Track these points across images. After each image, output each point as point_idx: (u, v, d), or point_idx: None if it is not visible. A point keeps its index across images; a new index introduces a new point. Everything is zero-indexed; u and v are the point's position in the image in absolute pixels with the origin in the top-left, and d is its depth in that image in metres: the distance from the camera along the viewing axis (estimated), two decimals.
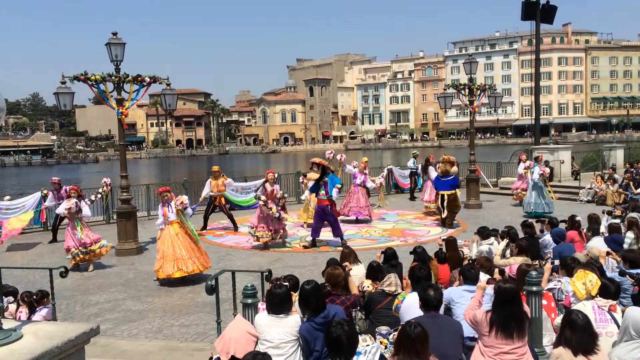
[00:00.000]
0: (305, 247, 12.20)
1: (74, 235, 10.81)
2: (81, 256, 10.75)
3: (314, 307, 4.54)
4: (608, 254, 6.85)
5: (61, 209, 11.28)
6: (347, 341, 3.66)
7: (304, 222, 14.73)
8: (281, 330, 4.42)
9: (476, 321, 4.26)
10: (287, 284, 5.05)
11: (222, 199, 14.67)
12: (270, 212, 11.73)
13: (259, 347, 4.39)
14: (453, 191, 14.10)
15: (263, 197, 11.84)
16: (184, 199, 9.83)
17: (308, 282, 4.73)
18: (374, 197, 18.61)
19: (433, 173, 15.46)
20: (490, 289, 5.07)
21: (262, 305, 5.17)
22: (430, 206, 16.18)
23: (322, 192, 12.15)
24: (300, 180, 16.91)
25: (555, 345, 4.11)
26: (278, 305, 4.52)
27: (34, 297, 6.71)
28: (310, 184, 13.03)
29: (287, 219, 12.84)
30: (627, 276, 5.80)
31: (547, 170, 15.48)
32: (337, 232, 12.17)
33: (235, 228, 14.62)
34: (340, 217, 14.67)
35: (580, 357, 3.85)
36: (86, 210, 11.34)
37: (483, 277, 5.87)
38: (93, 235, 11.06)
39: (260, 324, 4.53)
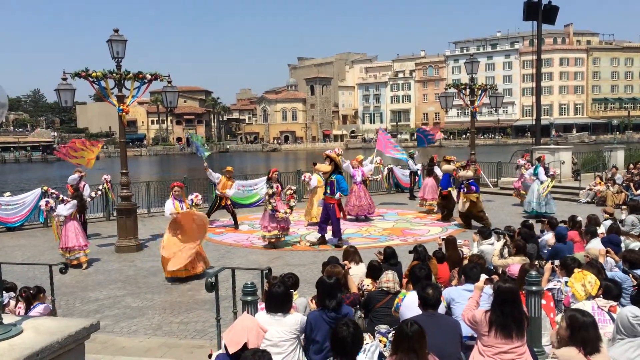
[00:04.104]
0: (313, 244, 12.15)
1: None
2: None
3: (337, 301, 4.63)
4: (607, 252, 6.83)
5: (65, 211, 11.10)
6: (351, 342, 3.68)
7: (307, 222, 14.74)
8: (280, 329, 4.44)
9: (475, 321, 4.26)
10: (287, 280, 5.07)
11: (228, 200, 14.69)
12: (277, 213, 11.61)
13: None
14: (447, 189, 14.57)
15: (273, 196, 11.74)
16: (198, 194, 9.96)
17: (329, 277, 4.94)
18: (376, 195, 18.62)
19: (439, 172, 15.95)
20: (487, 289, 5.09)
21: (260, 305, 5.19)
22: (426, 204, 16.69)
23: (328, 190, 12.19)
24: (302, 177, 16.93)
25: (560, 345, 4.09)
26: (277, 304, 4.54)
27: (30, 292, 6.69)
28: (311, 176, 13.19)
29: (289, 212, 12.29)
30: (630, 275, 5.82)
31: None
32: (336, 232, 12.16)
33: (236, 226, 14.62)
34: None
35: (587, 357, 3.84)
36: (59, 209, 11.19)
37: (481, 277, 5.87)
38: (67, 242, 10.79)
39: (260, 322, 4.54)
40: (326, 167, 12.31)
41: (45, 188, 15.27)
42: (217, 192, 14.52)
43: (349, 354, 3.68)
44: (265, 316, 4.55)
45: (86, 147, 13.59)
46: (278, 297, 4.55)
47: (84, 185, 13.64)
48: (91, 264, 10.96)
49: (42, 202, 12.61)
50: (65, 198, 12.00)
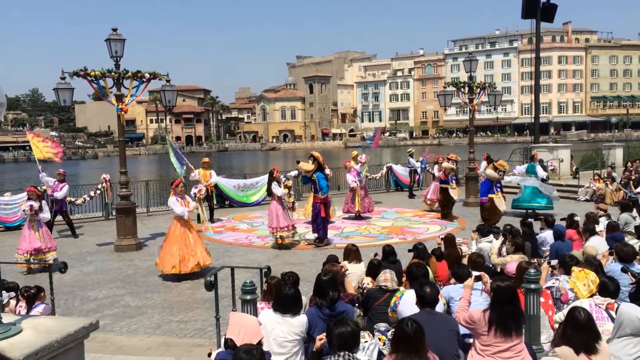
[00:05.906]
0: (310, 243, 12.12)
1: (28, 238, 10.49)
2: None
3: (329, 298, 4.71)
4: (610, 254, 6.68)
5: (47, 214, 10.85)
6: (350, 338, 3.72)
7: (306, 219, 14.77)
8: (285, 329, 4.43)
9: (473, 321, 4.25)
10: (288, 278, 5.10)
11: (213, 188, 14.91)
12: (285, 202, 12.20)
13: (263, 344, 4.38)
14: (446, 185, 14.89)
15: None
16: (203, 188, 10.66)
17: (325, 273, 5.03)
18: (375, 194, 18.62)
19: (437, 172, 16.20)
20: (476, 285, 5.11)
21: (260, 305, 5.18)
22: (427, 202, 16.72)
23: (312, 189, 12.46)
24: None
25: (557, 343, 4.10)
26: (287, 305, 4.53)
27: (32, 291, 6.69)
28: (294, 173, 13.69)
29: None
30: (629, 274, 5.79)
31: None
32: (318, 230, 12.11)
33: (212, 220, 14.62)
34: (342, 215, 14.93)
35: (582, 356, 3.84)
36: (45, 213, 10.71)
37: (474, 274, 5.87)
38: (50, 242, 10.66)
39: (266, 321, 4.52)
40: (309, 165, 12.31)
41: (44, 187, 15.19)
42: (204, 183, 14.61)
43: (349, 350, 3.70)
44: (272, 315, 4.54)
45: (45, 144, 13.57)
46: (288, 299, 4.55)
47: (64, 186, 13.71)
48: (62, 265, 10.73)
49: (26, 206, 10.48)
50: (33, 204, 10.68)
